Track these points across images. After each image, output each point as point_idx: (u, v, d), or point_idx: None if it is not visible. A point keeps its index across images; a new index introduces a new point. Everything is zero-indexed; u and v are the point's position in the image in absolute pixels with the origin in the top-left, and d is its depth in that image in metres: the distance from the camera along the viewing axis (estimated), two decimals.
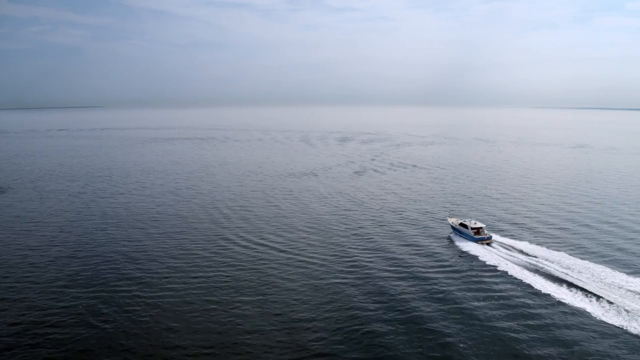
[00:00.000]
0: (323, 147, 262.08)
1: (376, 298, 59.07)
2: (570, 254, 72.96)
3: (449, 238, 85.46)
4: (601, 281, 60.83)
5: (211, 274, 68.49)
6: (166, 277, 67.03)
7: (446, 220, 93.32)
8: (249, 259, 74.84)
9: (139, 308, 56.83)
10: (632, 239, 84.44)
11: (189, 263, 73.13)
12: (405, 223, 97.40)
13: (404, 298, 58.88)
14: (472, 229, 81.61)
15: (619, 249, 77.87)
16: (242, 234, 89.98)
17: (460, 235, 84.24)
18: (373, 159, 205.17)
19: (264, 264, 72.46)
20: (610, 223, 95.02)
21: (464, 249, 77.86)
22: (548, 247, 76.87)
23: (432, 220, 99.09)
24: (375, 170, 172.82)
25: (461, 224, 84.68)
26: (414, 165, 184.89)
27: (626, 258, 73.29)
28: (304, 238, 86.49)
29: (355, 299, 58.73)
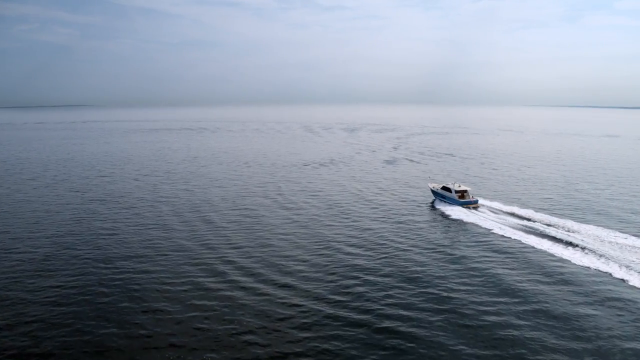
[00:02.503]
0: (331, 136, 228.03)
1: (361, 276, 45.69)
2: (566, 218, 66.25)
3: (432, 205, 77.11)
4: (606, 241, 55.09)
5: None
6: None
7: (427, 186, 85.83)
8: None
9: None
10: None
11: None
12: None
13: (392, 277, 45.71)
14: (457, 192, 74.78)
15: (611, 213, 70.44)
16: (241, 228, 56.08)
17: (443, 200, 77.12)
18: (395, 147, 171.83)
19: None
20: (602, 192, 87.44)
21: (449, 214, 69.85)
22: (544, 213, 69.02)
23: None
24: (408, 159, 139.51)
25: (444, 188, 77.91)
26: (450, 154, 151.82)
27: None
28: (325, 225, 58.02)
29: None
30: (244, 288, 42.88)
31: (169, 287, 43.12)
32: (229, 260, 50.36)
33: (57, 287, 43.36)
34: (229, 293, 41.81)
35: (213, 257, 51.35)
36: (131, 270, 47.56)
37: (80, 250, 54.13)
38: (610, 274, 45.03)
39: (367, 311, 38.00)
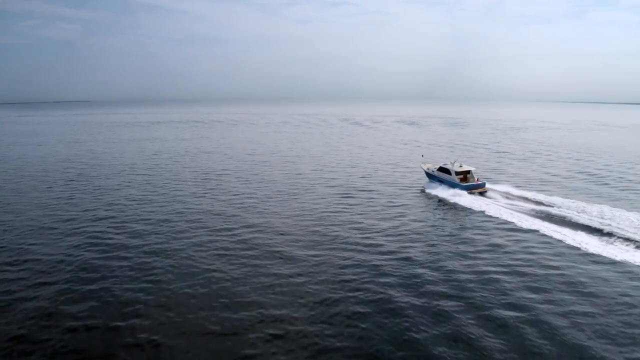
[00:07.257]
0: (400, 130, 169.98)
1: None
2: (590, 202, 50.21)
3: (423, 190, 59.08)
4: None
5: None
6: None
7: (420, 168, 67.35)
8: None
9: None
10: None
11: None
12: None
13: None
14: (457, 173, 56.91)
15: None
16: None
17: (440, 184, 58.08)
18: (529, 144, 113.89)
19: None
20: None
21: (452, 201, 51.89)
22: (562, 196, 52.87)
23: None
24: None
25: (441, 169, 59.27)
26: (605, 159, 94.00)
27: None
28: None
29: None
30: None
31: None
32: None
33: None
34: None
35: None
36: None
37: None
38: None
39: None
